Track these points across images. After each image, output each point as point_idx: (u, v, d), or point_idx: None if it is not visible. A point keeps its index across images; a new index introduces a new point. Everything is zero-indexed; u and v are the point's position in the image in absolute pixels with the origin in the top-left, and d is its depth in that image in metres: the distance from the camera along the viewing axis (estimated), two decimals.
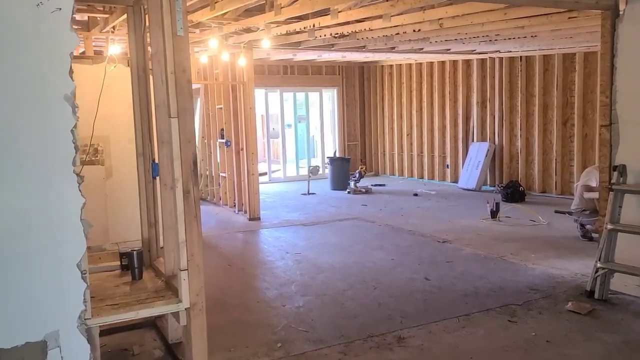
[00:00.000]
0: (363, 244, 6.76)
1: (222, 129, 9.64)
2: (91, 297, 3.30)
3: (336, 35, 7.87)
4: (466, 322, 4.13)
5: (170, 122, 3.07)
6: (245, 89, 8.45)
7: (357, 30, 6.61)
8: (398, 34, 6.90)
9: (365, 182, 12.25)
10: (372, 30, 6.80)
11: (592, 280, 4.55)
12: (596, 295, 4.49)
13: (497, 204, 7.97)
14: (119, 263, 3.94)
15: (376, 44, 8.99)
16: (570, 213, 6.69)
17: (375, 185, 12.11)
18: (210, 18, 5.94)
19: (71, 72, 2.76)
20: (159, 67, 3.42)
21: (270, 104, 13.47)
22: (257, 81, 12.97)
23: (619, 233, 4.52)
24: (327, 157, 12.30)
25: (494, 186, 10.56)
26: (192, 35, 7.21)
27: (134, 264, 3.71)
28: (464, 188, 11.09)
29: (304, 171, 13.56)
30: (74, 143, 2.79)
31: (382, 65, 13.66)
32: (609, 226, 4.47)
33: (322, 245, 6.74)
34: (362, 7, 5.44)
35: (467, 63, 11.46)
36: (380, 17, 5.80)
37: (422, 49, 9.78)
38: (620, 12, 4.54)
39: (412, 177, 13.05)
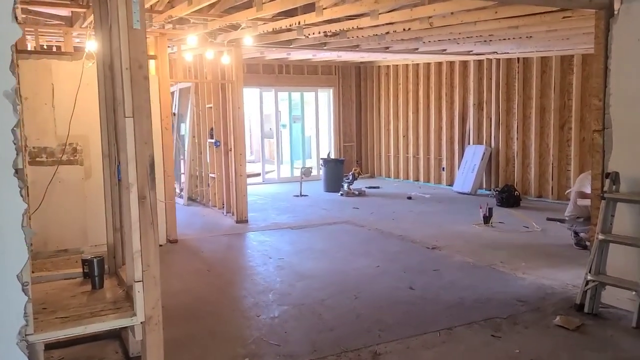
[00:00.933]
0: (349, 249, 6.54)
1: (212, 129, 9.45)
2: (43, 308, 3.11)
3: (328, 34, 7.67)
4: (447, 337, 3.91)
5: (125, 122, 2.86)
6: (233, 88, 8.24)
7: (346, 29, 6.40)
8: (389, 32, 6.69)
9: (359, 184, 12.02)
10: (361, 28, 6.60)
11: (581, 293, 4.34)
12: (586, 309, 4.27)
13: (490, 209, 7.75)
14: (81, 270, 3.72)
15: (369, 43, 8.78)
16: (562, 221, 6.47)
17: (370, 187, 11.89)
18: (192, 14, 5.73)
19: (13, 66, 2.55)
20: (118, 63, 3.21)
21: (264, 104, 13.27)
22: (252, 80, 12.83)
23: (611, 244, 4.30)
24: (321, 159, 12.09)
25: (490, 190, 10.34)
26: (176, 31, 7.01)
27: (94, 271, 3.50)
28: (459, 192, 10.87)
29: (299, 172, 13.35)
30: (15, 144, 2.57)
31: (379, 66, 13.45)
32: (600, 236, 4.26)
33: (307, 250, 6.53)
34: (346, 4, 5.22)
35: (464, 64, 11.24)
36: (368, 15, 5.58)
37: (417, 49, 9.57)
38: (615, 12, 4.32)
39: (407, 179, 12.83)
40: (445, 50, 9.75)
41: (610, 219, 4.30)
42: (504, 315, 4.32)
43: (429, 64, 12.00)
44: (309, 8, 5.54)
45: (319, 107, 13.77)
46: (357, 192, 10.92)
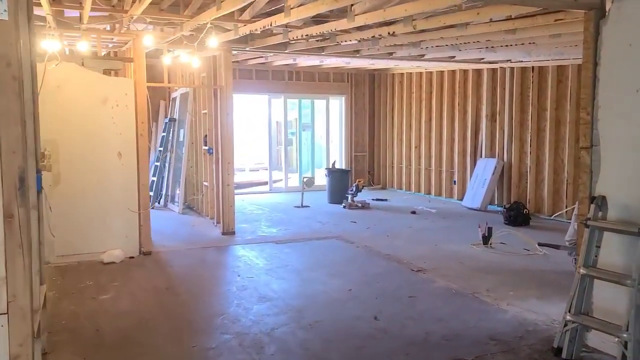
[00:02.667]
0: (327, 269, 6.07)
1: (206, 136, 9.11)
2: None
3: (318, 39, 7.24)
4: None
5: None
6: (222, 93, 7.88)
7: (326, 32, 5.95)
8: (374, 37, 6.21)
9: (367, 196, 11.55)
10: (342, 31, 6.14)
11: (560, 335, 3.76)
12: (564, 355, 3.70)
13: (490, 229, 7.15)
14: None
15: (369, 49, 8.31)
16: (557, 247, 5.84)
17: (377, 199, 11.37)
18: (148, 13, 5.37)
19: None
20: None
21: (273, 111, 12.90)
22: (260, 87, 12.52)
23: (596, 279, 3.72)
24: (325, 168, 11.62)
25: (502, 206, 9.70)
26: (154, 32, 6.68)
27: None
28: (469, 207, 10.25)
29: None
30: None
31: (393, 74, 12.93)
32: (582, 270, 3.68)
33: (280, 268, 6.08)
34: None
35: (478, 73, 10.64)
36: (345, 16, 5.13)
37: (422, 55, 9.04)
38: (606, 13, 3.76)
39: (419, 192, 12.25)
40: (453, 57, 9.19)
41: (595, 250, 3.72)
42: (470, 356, 3.78)
43: (442, 72, 11.44)
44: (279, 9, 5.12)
45: (329, 115, 13.34)
46: (360, 205, 10.41)
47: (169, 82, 10.98)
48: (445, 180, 11.55)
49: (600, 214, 3.73)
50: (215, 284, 5.53)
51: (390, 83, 13.08)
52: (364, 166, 13.66)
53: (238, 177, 16.40)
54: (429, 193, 11.95)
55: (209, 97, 8.81)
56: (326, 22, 5.99)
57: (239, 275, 5.79)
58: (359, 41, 6.53)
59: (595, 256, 3.73)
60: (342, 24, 5.37)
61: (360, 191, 10.69)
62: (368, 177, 13.60)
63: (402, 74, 12.62)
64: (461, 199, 10.84)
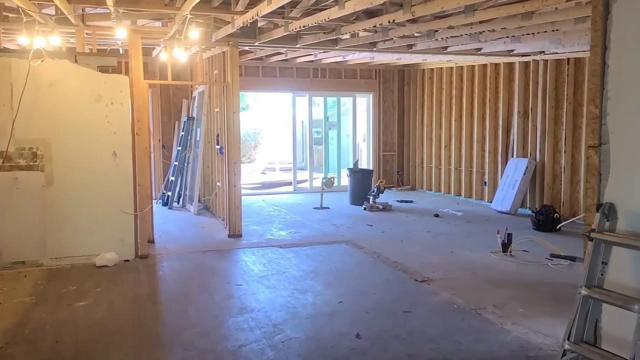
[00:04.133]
0: (324, 276, 5.65)
1: (218, 135, 8.84)
2: None
3: (324, 32, 6.83)
4: None
5: None
6: (228, 91, 7.57)
7: (321, 21, 5.51)
8: (375, 27, 5.74)
9: (393, 197, 11.08)
10: (348, 23, 5.70)
11: None
12: None
13: (510, 235, 6.56)
14: None
15: (385, 42, 7.85)
16: (573, 258, 5.22)
17: (402, 201, 10.85)
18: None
19: None
20: None
21: (298, 110, 12.54)
22: (284, 84, 12.19)
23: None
24: (347, 169, 11.17)
25: (533, 210, 9.02)
26: (150, 29, 6.42)
27: None
28: (498, 210, 9.60)
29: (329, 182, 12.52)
30: None
31: (423, 69, 12.35)
32: (583, 291, 3.13)
33: (275, 275, 5.69)
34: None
35: (510, 67, 9.96)
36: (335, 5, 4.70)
37: (445, 48, 8.49)
38: None
39: (449, 193, 11.63)
40: (480, 49, 8.59)
41: (601, 267, 3.16)
42: None
43: (472, 66, 10.81)
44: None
45: (356, 114, 12.87)
46: (381, 207, 9.92)
47: (191, 80, 10.83)
48: (475, 181, 10.91)
49: (607, 224, 3.16)
50: (200, 292, 5.19)
51: (420, 79, 12.50)
52: (392, 166, 13.12)
53: (265, 177, 16.20)
54: (459, 195, 11.33)
55: (220, 95, 8.53)
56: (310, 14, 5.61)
57: (227, 283, 5.45)
58: (365, 30, 6.07)
59: (601, 274, 3.17)
60: (334, 12, 4.93)
61: (382, 192, 10.18)
62: (397, 178, 13.06)
63: (432, 69, 12.02)
64: (491, 201, 10.17)
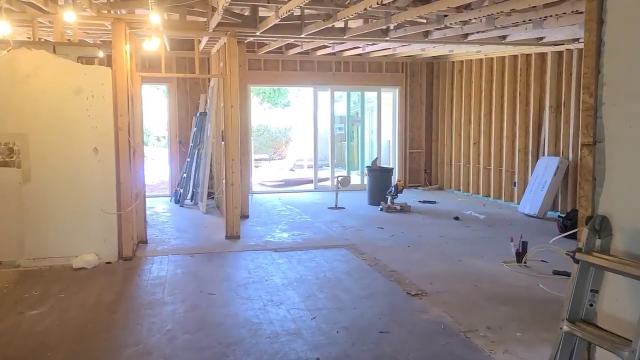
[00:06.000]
0: (308, 286, 5.12)
1: (223, 130, 8.42)
2: None
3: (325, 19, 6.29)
4: None
5: None
6: (226, 84, 7.13)
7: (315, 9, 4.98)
8: (368, 9, 5.15)
9: (417, 197, 10.48)
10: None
11: None
12: None
13: (525, 244, 5.86)
14: None
15: (398, 31, 7.24)
16: None
17: (424, 201, 10.18)
18: None
19: None
20: None
21: (319, 104, 12.01)
22: (305, 79, 11.69)
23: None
24: (366, 167, 10.58)
25: (560, 214, 8.21)
26: (135, 16, 6.04)
27: None
28: (525, 213, 8.82)
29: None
30: None
31: (453, 62, 11.60)
32: (565, 327, 2.50)
33: (256, 284, 5.21)
34: None
35: (542, 57, 9.13)
36: None
37: (466, 36, 7.80)
38: None
39: (477, 194, 10.86)
40: (505, 36, 7.86)
41: (589, 295, 2.52)
42: None
43: (503, 57, 10.01)
44: None
45: (381, 109, 12.23)
46: (399, 208, 9.30)
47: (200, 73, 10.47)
48: (505, 181, 10.11)
49: (599, 242, 2.52)
50: (167, 301, 4.75)
51: (449, 72, 11.75)
52: (420, 164, 12.42)
53: (292, 175, 15.76)
54: (488, 195, 10.55)
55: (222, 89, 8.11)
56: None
57: (201, 291, 5.00)
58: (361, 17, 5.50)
59: (590, 305, 2.53)
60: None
61: (401, 192, 9.55)
62: (424, 177, 12.36)
63: (462, 61, 11.26)
64: (519, 204, 9.38)
